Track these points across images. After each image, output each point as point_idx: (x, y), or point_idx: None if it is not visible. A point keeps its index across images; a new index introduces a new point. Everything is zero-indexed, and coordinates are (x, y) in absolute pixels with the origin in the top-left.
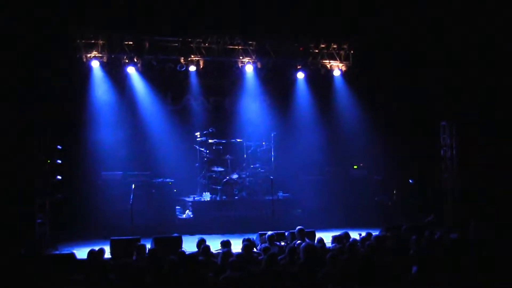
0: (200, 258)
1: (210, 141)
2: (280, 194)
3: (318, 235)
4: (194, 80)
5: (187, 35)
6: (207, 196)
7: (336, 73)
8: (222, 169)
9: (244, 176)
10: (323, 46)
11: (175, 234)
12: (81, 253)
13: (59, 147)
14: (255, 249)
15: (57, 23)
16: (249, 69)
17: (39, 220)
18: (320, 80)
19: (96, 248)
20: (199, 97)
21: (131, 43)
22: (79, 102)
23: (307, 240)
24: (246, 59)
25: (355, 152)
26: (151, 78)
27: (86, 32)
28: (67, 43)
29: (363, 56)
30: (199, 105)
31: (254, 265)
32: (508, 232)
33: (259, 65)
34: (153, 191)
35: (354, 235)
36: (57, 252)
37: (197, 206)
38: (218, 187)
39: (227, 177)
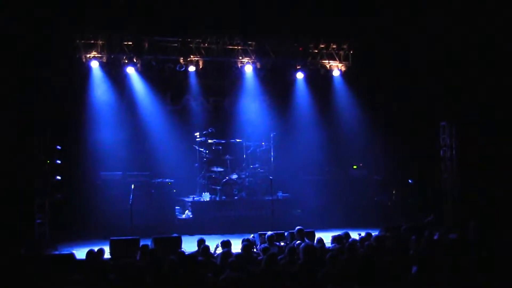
0: (200, 258)
1: (209, 141)
2: (280, 194)
3: (318, 235)
4: (193, 80)
5: (186, 35)
6: (206, 196)
7: (336, 73)
8: (222, 169)
9: (243, 176)
10: (322, 46)
11: (175, 234)
12: (81, 253)
13: (58, 147)
14: (254, 249)
15: (57, 23)
16: (248, 69)
17: (38, 220)
18: (320, 80)
19: (96, 248)
20: (199, 97)
21: (131, 43)
22: (78, 102)
23: (306, 240)
24: (245, 59)
25: (354, 152)
26: (150, 78)
27: (86, 32)
28: (66, 43)
29: (363, 56)
30: (199, 105)
31: (254, 265)
32: (508, 232)
33: (258, 65)
34: (153, 191)
35: (354, 235)
36: (57, 252)
37: (197, 206)
38: (218, 187)
39: (227, 177)
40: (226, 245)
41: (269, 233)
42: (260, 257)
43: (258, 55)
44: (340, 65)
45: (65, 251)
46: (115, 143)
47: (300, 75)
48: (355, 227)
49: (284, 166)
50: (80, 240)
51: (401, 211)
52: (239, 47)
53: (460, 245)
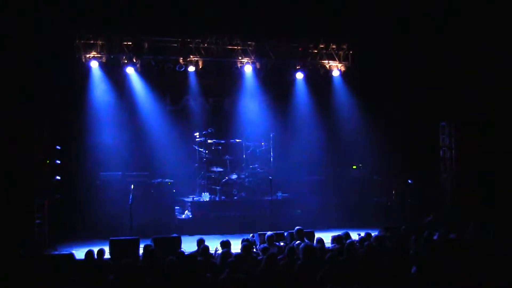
0: (199, 258)
1: (209, 141)
2: (279, 194)
3: (317, 235)
4: (193, 81)
5: (186, 35)
6: (206, 197)
7: (335, 73)
8: (221, 170)
9: (243, 176)
10: (322, 46)
11: (174, 235)
12: (80, 253)
13: (58, 147)
14: (254, 249)
15: (56, 23)
16: (248, 69)
17: (38, 221)
18: (319, 81)
19: (95, 248)
20: (198, 98)
21: (130, 43)
22: (78, 102)
23: (306, 240)
24: (245, 60)
25: (354, 152)
26: (150, 78)
27: (85, 32)
28: (66, 43)
29: (362, 56)
30: (198, 106)
31: (253, 265)
32: (508, 232)
33: (258, 66)
34: (152, 191)
35: (354, 235)
36: (56, 252)
37: (196, 207)
38: (217, 188)
39: (226, 178)
40: (226, 245)
41: (269, 233)
42: (260, 257)
43: (258, 55)
44: (339, 65)
45: (65, 251)
46: (114, 143)
47: (299, 75)
48: (355, 227)
49: (284, 166)
50: (80, 240)
51: (400, 211)
52: (239, 47)
53: (459, 245)
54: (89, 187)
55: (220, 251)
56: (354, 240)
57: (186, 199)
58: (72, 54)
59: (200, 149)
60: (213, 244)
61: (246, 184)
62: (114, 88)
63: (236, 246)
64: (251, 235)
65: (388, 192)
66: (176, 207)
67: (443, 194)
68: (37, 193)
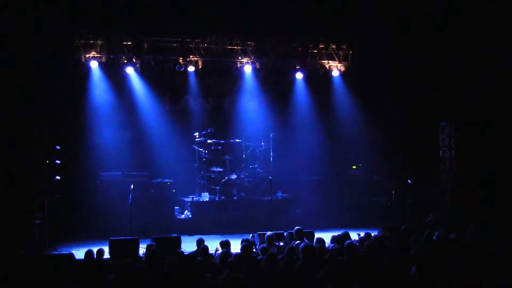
0: (199, 258)
1: (209, 141)
2: (279, 194)
3: (317, 235)
4: (193, 81)
5: (186, 35)
6: (206, 197)
7: (335, 73)
8: (221, 170)
9: (243, 176)
10: (322, 46)
11: (174, 234)
12: (80, 253)
13: (58, 147)
14: (254, 249)
15: (56, 23)
16: (248, 69)
17: (38, 221)
18: (319, 81)
19: (95, 248)
20: (198, 98)
21: (130, 43)
22: (78, 102)
23: (306, 240)
24: (245, 60)
25: (354, 152)
26: (150, 78)
27: (85, 32)
28: (66, 43)
29: (362, 56)
30: (198, 106)
31: (253, 265)
32: (508, 232)
33: (258, 66)
34: (152, 191)
35: (353, 235)
36: (56, 252)
37: (196, 206)
38: (217, 188)
39: (226, 178)
40: (225, 245)
41: (269, 233)
42: (260, 257)
43: (258, 55)
44: (339, 65)
45: (65, 251)
46: (114, 143)
47: (299, 75)
48: (355, 227)
49: (284, 166)
50: (80, 240)
51: (400, 211)
52: (239, 47)
53: (459, 245)
54: (89, 187)
55: (220, 251)
56: (354, 240)
57: (186, 199)
58: (72, 54)
59: (199, 149)
60: (213, 244)
61: (246, 184)
62: (114, 88)
63: (236, 246)
64: (251, 235)
65: (388, 192)
66: (175, 207)
67: (443, 194)
68: (37, 193)
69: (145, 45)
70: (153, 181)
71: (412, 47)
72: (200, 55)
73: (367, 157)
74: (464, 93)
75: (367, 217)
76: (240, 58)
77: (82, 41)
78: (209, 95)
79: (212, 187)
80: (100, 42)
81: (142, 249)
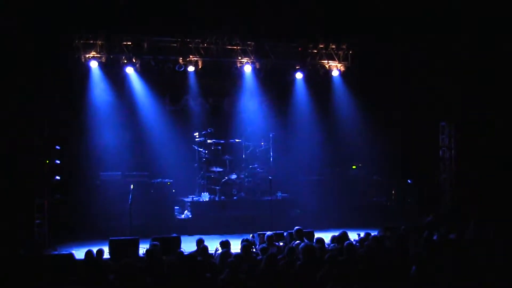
0: (199, 258)
1: (208, 141)
2: (279, 194)
3: (317, 235)
4: (192, 81)
5: (186, 35)
6: (205, 197)
7: (335, 73)
8: (221, 170)
9: (242, 176)
10: (321, 46)
11: (174, 234)
12: (80, 253)
13: (58, 147)
14: (254, 249)
15: (56, 23)
16: (247, 69)
17: (38, 221)
18: (319, 81)
19: (95, 248)
20: (198, 98)
21: (130, 43)
22: (78, 102)
23: (305, 240)
24: (245, 60)
25: (354, 152)
26: (149, 78)
27: (85, 32)
28: (66, 43)
29: (362, 56)
30: (198, 106)
31: (253, 265)
32: (508, 232)
33: (257, 66)
34: (152, 191)
35: (353, 235)
36: (56, 252)
37: (196, 206)
38: (217, 188)
39: (226, 178)
40: (225, 245)
41: (268, 233)
42: (260, 257)
43: (258, 55)
44: (339, 65)
45: (65, 251)
46: (114, 143)
47: (299, 75)
48: (355, 227)
49: (283, 166)
50: (80, 240)
51: (400, 211)
52: (239, 47)
53: (459, 245)
54: (89, 187)
55: (220, 251)
56: (354, 240)
57: (186, 199)
58: (72, 54)
59: (199, 149)
60: (213, 244)
61: (246, 184)
62: (114, 88)
63: (235, 246)
64: (250, 235)
65: (388, 192)
66: (175, 207)
67: (443, 194)
68: (37, 193)
69: (145, 45)
70: (153, 181)
71: (412, 47)
72: (200, 55)
73: (367, 157)
74: (464, 93)
75: (367, 217)
76: (240, 58)
77: (82, 41)
78: (209, 95)
79: (212, 187)
80: (100, 42)
81: (142, 249)
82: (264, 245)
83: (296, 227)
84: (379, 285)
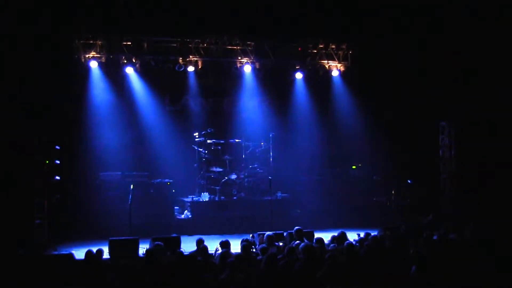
0: (199, 258)
1: (208, 141)
2: (279, 194)
3: (317, 235)
4: (192, 81)
5: (185, 35)
6: (205, 197)
7: (335, 73)
8: (221, 170)
9: (242, 176)
10: (321, 46)
11: (174, 235)
12: (80, 253)
13: (57, 147)
14: (254, 249)
15: (56, 23)
16: (247, 69)
17: (38, 221)
18: (319, 81)
19: (95, 248)
20: (198, 98)
21: (130, 43)
22: (78, 102)
23: (305, 240)
24: (244, 60)
25: (354, 152)
26: (149, 78)
27: (85, 32)
28: (66, 43)
29: (362, 56)
30: (198, 106)
31: (253, 265)
32: (508, 232)
33: (257, 66)
34: (152, 191)
35: (353, 235)
36: (56, 252)
37: (196, 207)
38: (217, 188)
39: (226, 178)
40: (225, 245)
41: (268, 233)
42: (259, 257)
43: (257, 55)
44: (339, 65)
45: (64, 251)
46: (114, 144)
47: (299, 75)
48: (355, 227)
49: (283, 166)
50: (80, 240)
51: (400, 211)
52: (238, 47)
53: (459, 245)
54: (89, 187)
55: (219, 251)
56: (354, 240)
57: (186, 199)
58: (71, 54)
59: (199, 149)
60: (213, 244)
61: (246, 184)
62: (114, 88)
63: (235, 246)
64: (250, 235)
65: (388, 192)
66: (175, 207)
67: (443, 194)
68: (37, 193)
69: (145, 45)
70: (153, 181)
71: (412, 47)
72: (200, 55)
73: (367, 157)
74: (464, 93)
75: (367, 217)
76: (239, 58)
77: (82, 41)
78: (208, 95)
79: (212, 187)
80: (99, 42)
81: (142, 249)
82: (264, 245)
83: (296, 227)
84: (379, 285)
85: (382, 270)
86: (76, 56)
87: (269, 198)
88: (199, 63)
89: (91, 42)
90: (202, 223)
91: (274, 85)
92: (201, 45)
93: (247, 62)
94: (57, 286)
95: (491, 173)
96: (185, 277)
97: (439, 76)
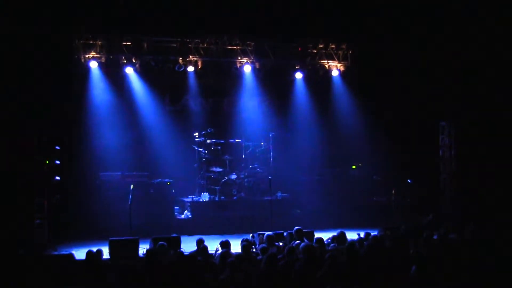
0: (199, 258)
1: (208, 141)
2: (279, 194)
3: (317, 235)
4: (192, 81)
5: (185, 35)
6: (205, 197)
7: (335, 73)
8: (221, 170)
9: (242, 176)
10: (321, 46)
11: (174, 235)
12: (80, 253)
13: (57, 147)
14: (254, 249)
15: (55, 23)
16: (247, 69)
17: (38, 221)
18: (319, 80)
19: (95, 248)
20: (198, 98)
21: (130, 43)
22: (77, 102)
23: (305, 240)
24: (244, 60)
25: (354, 152)
26: (149, 78)
27: (85, 32)
28: (66, 43)
29: (362, 56)
30: (198, 106)
31: (253, 265)
32: (508, 232)
33: (257, 66)
34: (152, 191)
35: (353, 235)
36: (56, 252)
37: (196, 207)
38: (217, 188)
39: (226, 178)
40: (225, 245)
41: (268, 233)
42: (260, 257)
43: (257, 55)
44: (339, 65)
45: (64, 251)
46: (114, 144)
47: (299, 75)
48: (354, 227)
49: (283, 166)
50: (80, 240)
51: (400, 211)
52: (238, 47)
53: (459, 245)
54: (89, 187)
55: (220, 251)
56: (354, 240)
57: (186, 199)
58: (71, 54)
59: (199, 149)
60: (213, 244)
61: (246, 184)
62: (114, 88)
63: (235, 246)
64: (250, 235)
65: (388, 192)
66: (175, 207)
67: (443, 194)
68: (37, 193)
69: (145, 45)
70: (153, 181)
71: (412, 47)
72: (200, 55)
73: (367, 157)
74: (464, 93)
75: (367, 217)
76: (239, 58)
77: (81, 41)
78: (208, 95)
79: (212, 187)
80: (99, 42)
81: (142, 249)
82: (264, 245)
83: (296, 227)
84: (379, 285)
85: (382, 270)
86: (76, 56)
87: (269, 198)
88: (199, 63)
89: (91, 42)
90: (202, 223)
91: (274, 85)
92: (201, 45)
93: (247, 62)
94: (57, 286)
95: (491, 173)
96: (185, 277)
97: (439, 76)
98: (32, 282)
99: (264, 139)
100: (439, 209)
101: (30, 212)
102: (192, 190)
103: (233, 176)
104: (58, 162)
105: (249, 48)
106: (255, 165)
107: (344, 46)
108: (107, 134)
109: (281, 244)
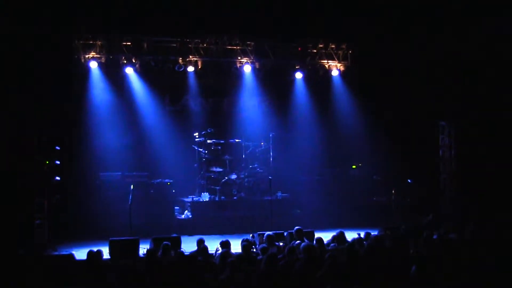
0: (199, 258)
1: (208, 141)
2: (279, 194)
3: (317, 235)
4: (192, 81)
5: (185, 35)
6: (205, 197)
7: (335, 73)
8: (221, 170)
9: (242, 176)
10: (321, 46)
11: (174, 235)
12: (80, 253)
13: (57, 147)
14: (254, 249)
15: (55, 23)
16: (247, 69)
17: (38, 221)
18: (319, 80)
19: (95, 249)
20: (198, 98)
21: (129, 43)
22: (77, 102)
23: (306, 240)
24: (244, 60)
25: (354, 152)
26: (149, 78)
27: (84, 32)
28: (66, 43)
29: (362, 56)
30: (198, 106)
31: (253, 265)
32: (508, 232)
33: (257, 65)
34: (152, 191)
35: (353, 235)
36: (56, 253)
37: (196, 207)
38: (217, 188)
39: (226, 178)
40: (225, 245)
41: (268, 233)
42: (260, 257)
43: (257, 55)
44: (339, 65)
45: (65, 251)
46: (114, 144)
47: (299, 75)
48: (355, 227)
49: (283, 166)
50: (80, 240)
51: (400, 211)
52: (238, 47)
53: (459, 245)
54: (89, 187)
55: (220, 251)
56: (354, 240)
57: (186, 199)
58: (71, 55)
59: (199, 149)
60: (213, 244)
61: (246, 184)
62: (114, 89)
63: (236, 246)
64: (251, 235)
65: (388, 192)
66: (175, 207)
67: (443, 194)
68: (37, 193)
69: (145, 46)
70: (153, 181)
71: (412, 47)
72: (200, 55)
73: (367, 157)
74: (464, 93)
75: (367, 217)
76: (239, 58)
77: (81, 42)
78: (208, 95)
79: (212, 187)
80: (99, 43)
81: (142, 249)
82: (264, 245)
83: (296, 227)
84: (379, 285)
85: (382, 270)
86: (76, 56)
87: (269, 198)
88: (199, 63)
89: (91, 42)
90: (202, 223)
91: (274, 85)
92: (201, 45)
93: (247, 62)
94: (57, 286)
95: (491, 173)
96: (185, 277)
97: (439, 76)
98: (32, 282)
99: (264, 139)
100: (439, 209)
101: (30, 212)
102: (192, 190)
103: (233, 176)
104: (58, 162)
105: (249, 48)
106: (255, 165)
107: (344, 46)
108: (107, 134)
109: (281, 244)
